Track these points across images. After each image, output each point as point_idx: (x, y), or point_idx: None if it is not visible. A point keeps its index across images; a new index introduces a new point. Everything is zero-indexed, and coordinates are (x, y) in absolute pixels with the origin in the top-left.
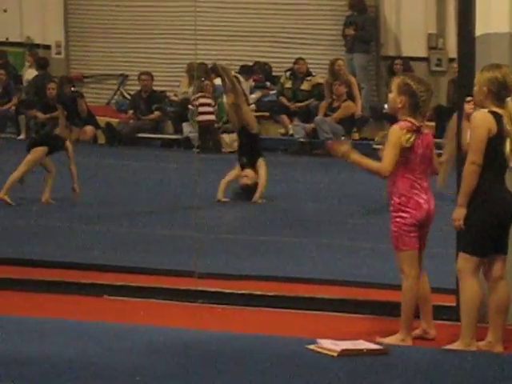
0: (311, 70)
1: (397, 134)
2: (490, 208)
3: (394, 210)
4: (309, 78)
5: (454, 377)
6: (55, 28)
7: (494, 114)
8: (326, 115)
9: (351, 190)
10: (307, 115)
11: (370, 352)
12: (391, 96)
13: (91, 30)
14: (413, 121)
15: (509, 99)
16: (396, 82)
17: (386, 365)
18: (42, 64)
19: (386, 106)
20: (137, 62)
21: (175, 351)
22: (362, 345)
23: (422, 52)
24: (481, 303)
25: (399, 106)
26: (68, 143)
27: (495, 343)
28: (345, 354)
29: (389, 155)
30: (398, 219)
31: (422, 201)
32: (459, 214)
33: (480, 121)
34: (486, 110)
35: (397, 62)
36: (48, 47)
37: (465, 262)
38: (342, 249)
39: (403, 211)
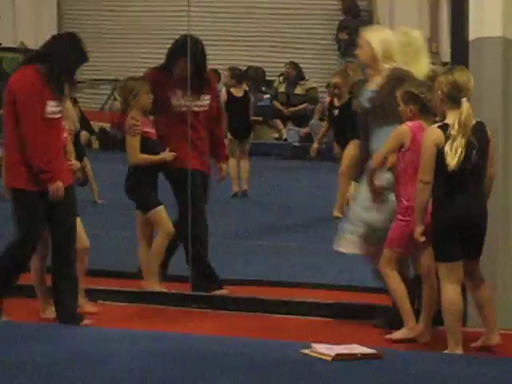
0: (305, 74)
1: (402, 135)
2: (444, 215)
3: (401, 213)
4: (302, 83)
5: (448, 381)
6: (49, 33)
7: (443, 127)
8: (320, 119)
9: None
10: (301, 119)
11: (364, 356)
12: (401, 109)
13: (84, 35)
14: (422, 124)
15: (464, 100)
16: (398, 95)
17: (379, 369)
18: None
19: None
20: (130, 67)
21: (169, 356)
22: (356, 349)
23: None
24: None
25: (411, 115)
26: None
27: (490, 334)
28: (339, 358)
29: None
30: (403, 222)
31: (428, 205)
32: (417, 232)
33: (427, 139)
34: (436, 126)
35: None
36: None
37: (440, 270)
38: (337, 253)
39: (410, 215)
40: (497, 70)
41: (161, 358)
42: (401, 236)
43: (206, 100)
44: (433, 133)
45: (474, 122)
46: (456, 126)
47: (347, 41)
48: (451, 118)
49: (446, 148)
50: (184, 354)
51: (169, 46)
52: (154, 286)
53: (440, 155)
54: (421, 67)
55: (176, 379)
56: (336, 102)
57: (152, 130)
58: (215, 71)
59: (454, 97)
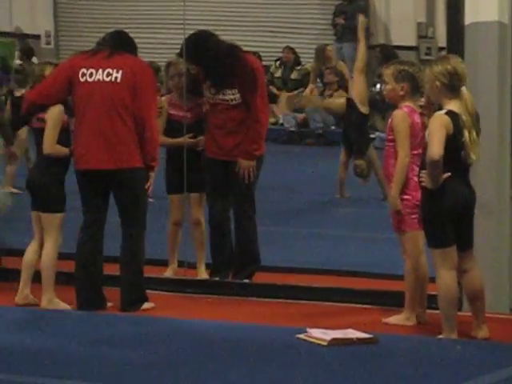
0: (301, 58)
1: (406, 120)
2: (441, 202)
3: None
4: (298, 67)
5: (442, 365)
6: (45, 18)
7: (450, 113)
8: None
9: None
10: None
11: (360, 341)
12: (389, 87)
13: (81, 20)
14: (413, 106)
15: (463, 88)
16: (390, 72)
17: (375, 353)
18: (27, 53)
19: (378, 85)
20: None
21: (164, 340)
22: (352, 334)
23: (411, 41)
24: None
25: (401, 93)
26: None
27: (480, 326)
28: (334, 343)
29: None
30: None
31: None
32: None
33: (436, 123)
34: (443, 112)
35: None
36: (38, 37)
37: (433, 256)
38: (333, 238)
39: (405, 193)
40: (492, 54)
41: (151, 342)
42: (404, 215)
43: (229, 94)
44: (441, 118)
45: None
46: (466, 116)
47: (344, 25)
48: (452, 106)
49: (466, 139)
50: (178, 339)
51: (165, 32)
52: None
53: (453, 144)
54: None
55: (167, 364)
56: None
57: (180, 113)
58: (255, 53)
59: (454, 86)
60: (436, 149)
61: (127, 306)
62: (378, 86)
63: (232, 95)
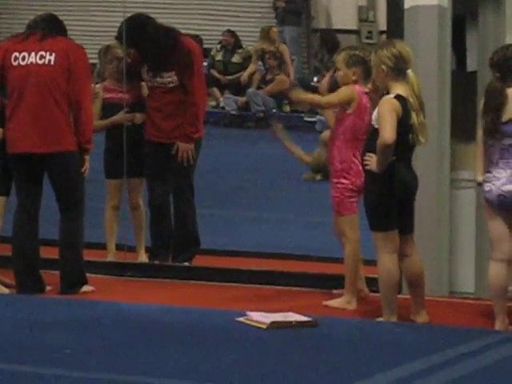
0: (242, 42)
1: (353, 92)
2: (387, 185)
3: (335, 176)
4: (239, 51)
5: (381, 348)
6: None
7: (398, 97)
8: (258, 88)
9: (282, 163)
10: (238, 88)
11: (300, 324)
12: (341, 73)
13: (20, 2)
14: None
15: (409, 71)
16: (341, 59)
17: (314, 336)
18: None
19: (315, 78)
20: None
21: (103, 323)
22: (292, 317)
23: (352, 24)
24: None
25: (354, 78)
26: None
27: (416, 314)
28: (274, 326)
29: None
30: (339, 185)
31: (361, 168)
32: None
33: (386, 107)
34: (392, 96)
35: None
36: None
37: (375, 240)
38: (274, 221)
39: (344, 177)
40: (432, 37)
41: (93, 326)
42: (343, 199)
43: (167, 77)
44: (391, 102)
45: None
46: (413, 98)
47: (285, 9)
48: (399, 90)
49: (414, 122)
50: (117, 323)
51: (104, 14)
52: None
53: (401, 128)
54: None
55: (108, 348)
56: None
57: (117, 95)
58: (196, 36)
59: (400, 69)
60: (389, 133)
61: (66, 289)
62: (316, 78)
63: (169, 78)
